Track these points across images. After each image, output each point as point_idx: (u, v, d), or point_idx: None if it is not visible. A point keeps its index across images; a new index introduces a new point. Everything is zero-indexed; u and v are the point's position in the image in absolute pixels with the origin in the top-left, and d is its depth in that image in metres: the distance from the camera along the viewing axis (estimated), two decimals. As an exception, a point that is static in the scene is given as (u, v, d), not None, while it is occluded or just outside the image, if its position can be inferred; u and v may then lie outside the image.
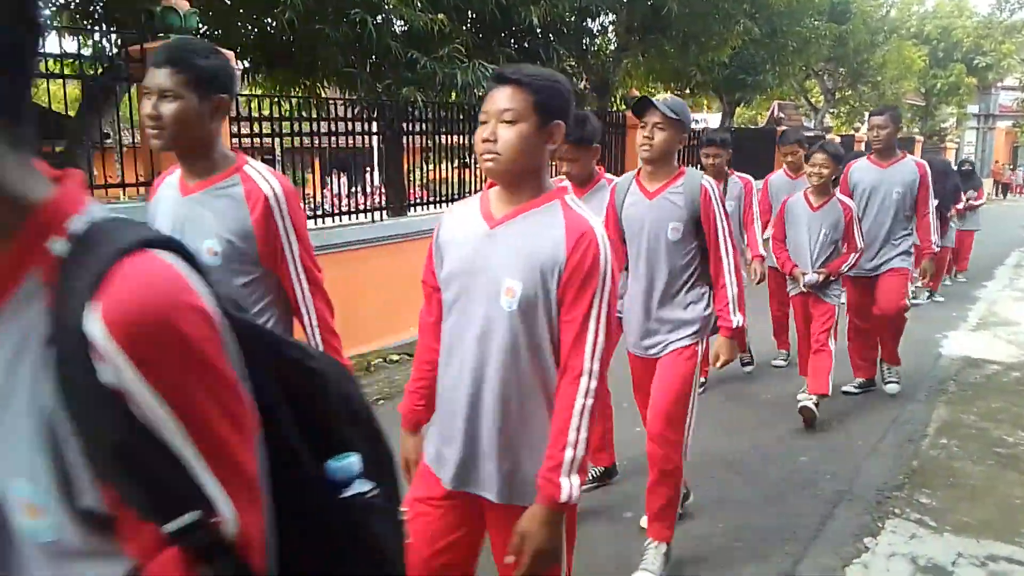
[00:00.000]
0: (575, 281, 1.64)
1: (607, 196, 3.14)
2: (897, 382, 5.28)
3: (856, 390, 5.28)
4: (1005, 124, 32.61)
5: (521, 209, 1.72)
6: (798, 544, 3.26)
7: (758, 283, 5.22)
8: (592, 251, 1.64)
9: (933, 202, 4.92)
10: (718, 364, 2.99)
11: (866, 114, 24.40)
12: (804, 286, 4.74)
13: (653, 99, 2.79)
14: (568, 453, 1.61)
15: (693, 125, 14.39)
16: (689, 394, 2.95)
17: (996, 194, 30.15)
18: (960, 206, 9.14)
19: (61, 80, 4.57)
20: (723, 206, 2.88)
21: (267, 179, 2.04)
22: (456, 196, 7.30)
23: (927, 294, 8.69)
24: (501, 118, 1.65)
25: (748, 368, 5.76)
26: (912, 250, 4.98)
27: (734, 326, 2.88)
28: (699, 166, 5.37)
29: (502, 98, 1.65)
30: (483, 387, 1.72)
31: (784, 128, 6.05)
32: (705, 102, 19.70)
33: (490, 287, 1.69)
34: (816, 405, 4.60)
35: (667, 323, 2.96)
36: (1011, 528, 3.42)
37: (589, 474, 3.42)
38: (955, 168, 10.01)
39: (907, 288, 5.06)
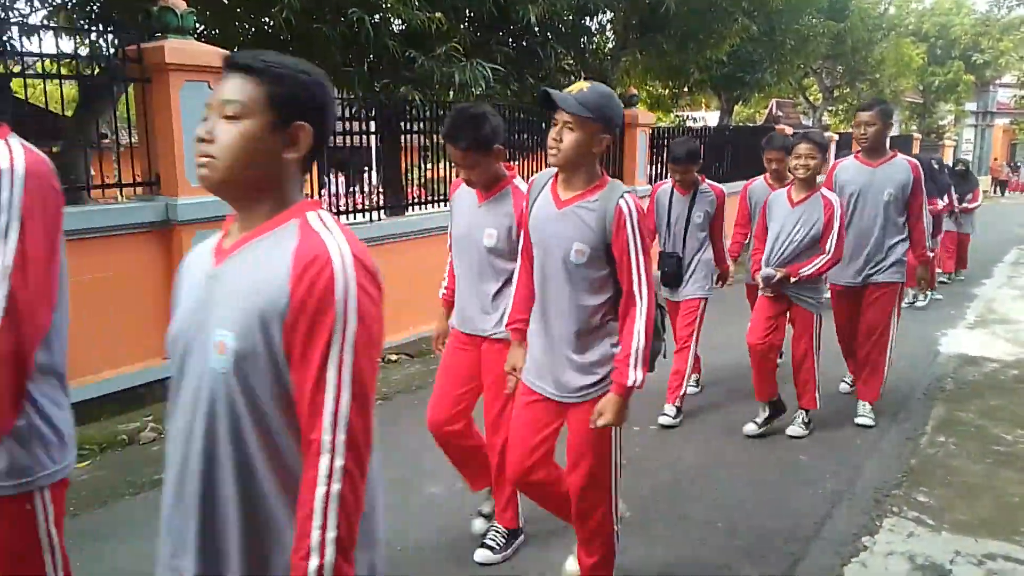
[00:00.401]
0: (300, 327, 1.23)
1: (510, 202, 2.82)
2: (871, 418, 4.66)
3: (851, 387, 5.17)
4: (1003, 121, 32.65)
5: (250, 236, 1.33)
6: (797, 543, 3.27)
7: (721, 286, 4.99)
8: (322, 283, 1.22)
9: (927, 206, 4.68)
10: (598, 423, 2.40)
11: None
12: (761, 286, 4.41)
13: (558, 93, 2.26)
14: (312, 562, 1.21)
15: (693, 123, 14.28)
16: (610, 454, 2.56)
17: (994, 191, 30.18)
18: (942, 205, 8.58)
19: (58, 80, 4.55)
20: (640, 235, 2.33)
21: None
22: (454, 195, 7.27)
23: (927, 294, 8.46)
24: (223, 112, 1.31)
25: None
26: (906, 258, 4.61)
27: (629, 384, 2.35)
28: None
29: (228, 88, 1.31)
30: (212, 474, 1.31)
31: (771, 133, 5.43)
32: (703, 100, 19.67)
33: (204, 342, 1.30)
34: (807, 424, 4.54)
35: (574, 365, 2.50)
36: (1009, 526, 3.42)
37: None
38: (949, 167, 9.89)
39: (897, 304, 4.73)
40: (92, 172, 5.19)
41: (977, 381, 5.64)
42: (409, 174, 7.40)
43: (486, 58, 7.18)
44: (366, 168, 8.95)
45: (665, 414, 4.66)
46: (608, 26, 11.22)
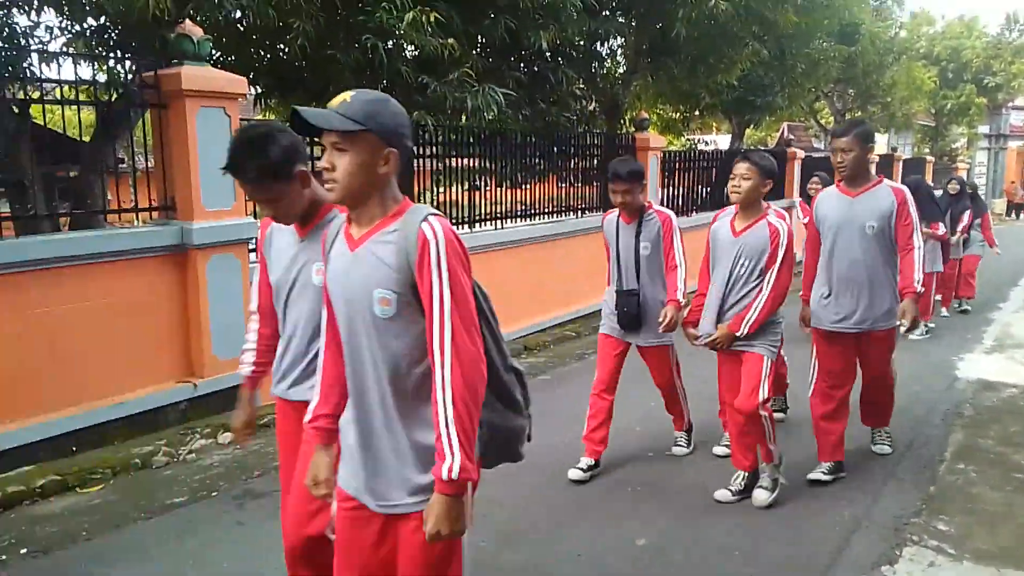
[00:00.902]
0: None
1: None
2: (889, 444, 4.55)
3: (827, 477, 4.12)
4: (1016, 144, 32.50)
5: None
6: (814, 573, 3.21)
7: (664, 330, 4.09)
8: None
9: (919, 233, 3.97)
10: (429, 533, 1.74)
11: (876, 135, 24.53)
12: (699, 344, 3.94)
13: (311, 111, 1.77)
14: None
15: (704, 147, 14.09)
16: None
17: (1008, 214, 30.00)
18: (942, 231, 7.87)
19: (76, 106, 4.63)
20: (448, 269, 1.73)
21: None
22: (467, 218, 7.33)
23: (922, 327, 7.70)
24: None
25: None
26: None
27: (452, 477, 1.68)
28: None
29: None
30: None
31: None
32: (715, 123, 19.73)
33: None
34: (746, 487, 3.90)
35: (393, 452, 1.84)
36: (1032, 556, 3.35)
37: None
38: (949, 190, 9.07)
39: (894, 346, 4.26)
40: (109, 196, 5.25)
41: (996, 407, 5.57)
42: (421, 198, 7.44)
43: (498, 83, 7.24)
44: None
45: (678, 444, 4.59)
46: (619, 51, 11.31)
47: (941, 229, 7.75)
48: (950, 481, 4.20)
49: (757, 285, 3.78)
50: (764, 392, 3.70)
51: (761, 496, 3.81)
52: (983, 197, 11.63)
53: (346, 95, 1.79)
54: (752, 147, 21.90)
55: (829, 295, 4.05)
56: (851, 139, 3.88)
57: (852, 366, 4.19)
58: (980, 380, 6.25)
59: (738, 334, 3.77)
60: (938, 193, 9.13)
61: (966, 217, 8.93)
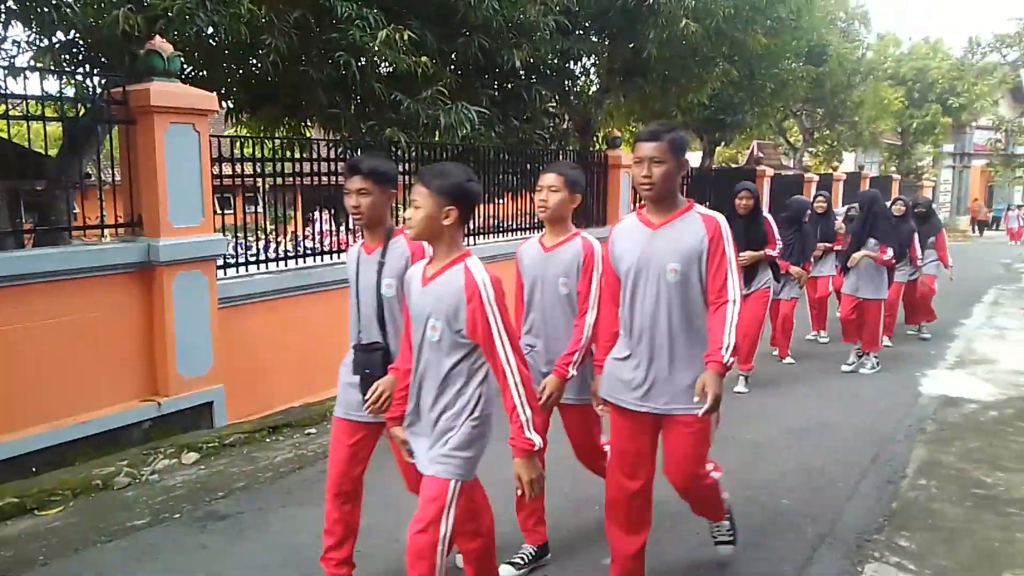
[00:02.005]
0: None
1: None
2: (729, 537, 3.45)
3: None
4: (980, 162, 33.29)
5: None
6: (779, 590, 3.24)
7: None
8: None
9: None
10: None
11: (843, 152, 24.57)
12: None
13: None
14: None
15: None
16: None
17: (973, 231, 30.71)
18: (889, 255, 6.91)
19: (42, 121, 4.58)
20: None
21: None
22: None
23: (873, 360, 7.19)
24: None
25: None
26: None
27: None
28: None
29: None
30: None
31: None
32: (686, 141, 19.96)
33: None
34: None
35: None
36: (989, 572, 3.41)
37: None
38: (893, 211, 7.68)
39: (709, 442, 2.99)
40: (77, 211, 5.19)
41: (957, 423, 5.67)
42: (395, 214, 7.43)
43: (471, 101, 7.29)
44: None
45: None
46: (592, 70, 11.43)
47: (888, 253, 6.85)
48: (912, 497, 4.27)
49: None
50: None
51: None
52: (949, 214, 11.64)
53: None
54: (721, 165, 22.18)
55: (627, 358, 2.92)
56: (661, 146, 2.74)
57: (646, 455, 2.98)
58: (943, 396, 6.37)
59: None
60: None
61: (915, 241, 8.08)
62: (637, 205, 3.15)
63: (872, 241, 6.88)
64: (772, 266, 6.40)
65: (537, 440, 2.41)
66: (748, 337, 6.22)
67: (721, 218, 2.82)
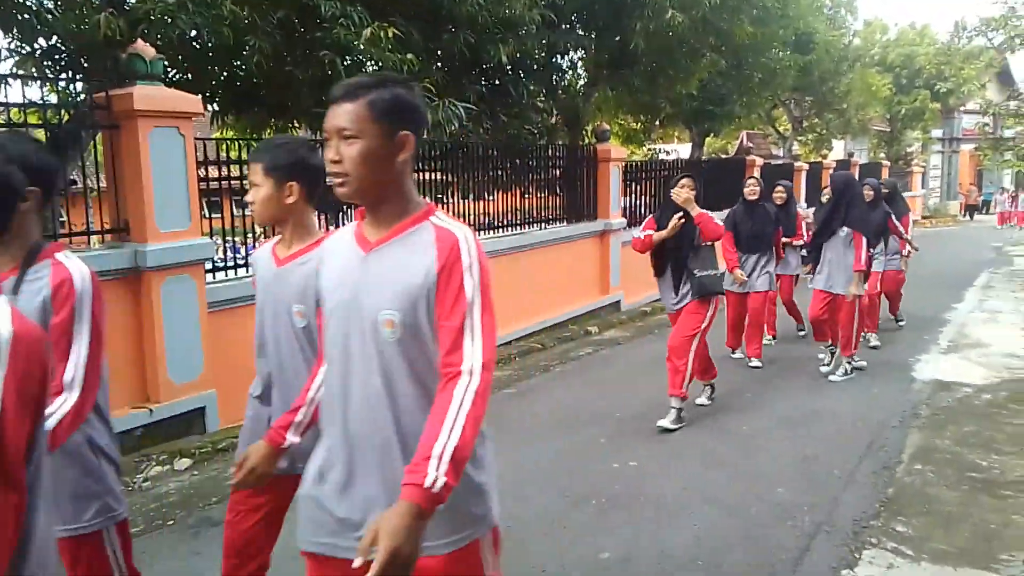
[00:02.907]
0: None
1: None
2: None
3: None
4: (968, 147, 33.38)
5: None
6: (777, 579, 3.24)
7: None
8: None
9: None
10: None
11: (832, 140, 24.61)
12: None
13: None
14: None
15: (666, 156, 13.92)
16: None
17: (963, 215, 30.85)
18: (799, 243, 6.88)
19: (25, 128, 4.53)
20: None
21: None
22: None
23: (845, 365, 6.46)
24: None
25: None
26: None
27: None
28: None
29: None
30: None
31: None
32: (675, 133, 19.97)
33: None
34: None
35: None
36: (986, 554, 3.42)
37: None
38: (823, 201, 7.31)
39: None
40: (63, 217, 5.15)
41: (951, 407, 5.68)
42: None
43: (458, 97, 7.25)
44: (345, 207, 8.95)
45: None
46: (579, 64, 11.41)
47: (863, 248, 6.12)
48: (908, 483, 4.27)
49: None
50: None
51: None
52: (939, 199, 11.47)
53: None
54: (711, 155, 22.15)
55: (322, 473, 1.77)
56: (358, 110, 1.65)
57: None
58: (936, 381, 6.38)
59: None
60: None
61: (894, 220, 7.49)
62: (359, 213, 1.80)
63: (845, 230, 6.14)
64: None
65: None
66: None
67: (464, 233, 1.70)
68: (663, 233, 5.14)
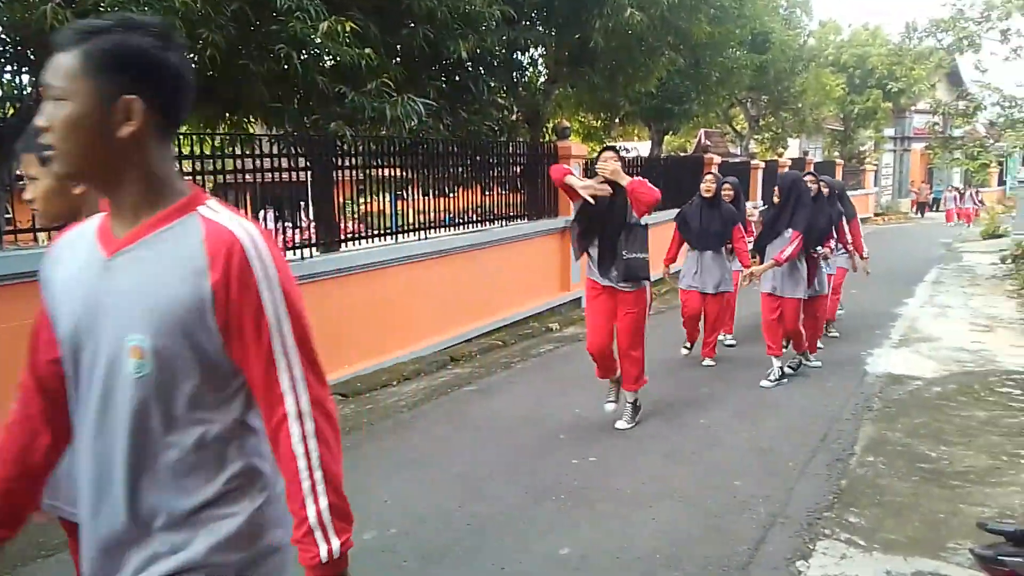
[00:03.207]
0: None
1: None
2: None
3: None
4: (919, 146, 34.23)
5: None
6: (734, 571, 3.28)
7: None
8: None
9: None
10: None
11: (788, 139, 24.99)
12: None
13: None
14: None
15: (626, 154, 13.84)
16: None
17: (914, 212, 31.66)
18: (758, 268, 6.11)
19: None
20: None
21: None
22: (392, 229, 7.28)
23: (777, 368, 6.21)
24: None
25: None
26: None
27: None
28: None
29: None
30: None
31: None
32: (635, 131, 20.13)
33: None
34: None
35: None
36: (936, 543, 3.50)
37: None
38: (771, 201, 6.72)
39: None
40: (9, 214, 5.00)
41: (903, 399, 5.82)
42: (344, 209, 7.34)
43: (418, 93, 7.19)
44: (302, 204, 8.85)
45: None
46: (539, 60, 11.42)
47: (796, 243, 5.88)
48: (860, 474, 4.37)
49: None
50: None
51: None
52: (891, 197, 11.71)
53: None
54: (670, 153, 22.39)
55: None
56: (70, 65, 1.25)
57: None
58: (888, 374, 6.53)
59: None
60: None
61: (843, 224, 7.26)
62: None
63: (789, 231, 5.88)
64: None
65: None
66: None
67: (246, 230, 1.29)
68: (584, 183, 4.66)
